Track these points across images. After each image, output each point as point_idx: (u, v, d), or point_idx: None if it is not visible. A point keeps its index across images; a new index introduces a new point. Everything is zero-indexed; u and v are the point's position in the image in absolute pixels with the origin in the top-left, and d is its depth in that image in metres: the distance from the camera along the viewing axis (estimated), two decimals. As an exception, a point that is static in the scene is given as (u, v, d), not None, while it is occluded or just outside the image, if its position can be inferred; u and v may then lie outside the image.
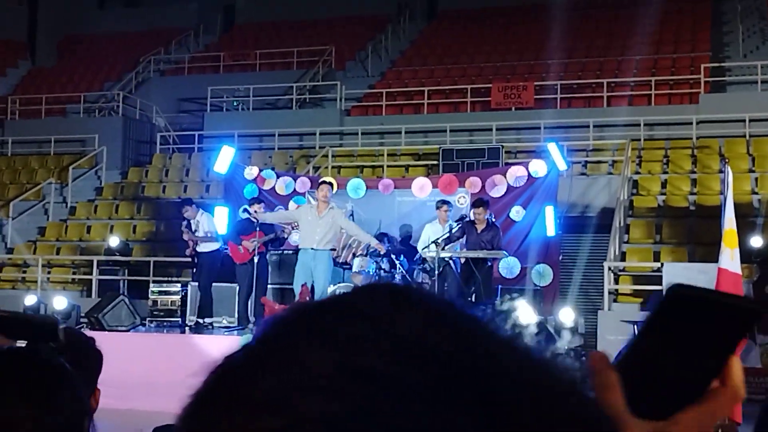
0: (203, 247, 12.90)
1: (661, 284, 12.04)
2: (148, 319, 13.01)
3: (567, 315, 11.68)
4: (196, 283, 13.13)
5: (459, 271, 12.06)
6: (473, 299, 11.64)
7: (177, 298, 13.13)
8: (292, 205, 14.52)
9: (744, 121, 17.76)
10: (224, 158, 14.73)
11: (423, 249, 12.38)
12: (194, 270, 13.30)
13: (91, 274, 16.41)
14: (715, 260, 8.93)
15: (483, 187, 14.02)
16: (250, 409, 0.56)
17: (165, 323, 12.95)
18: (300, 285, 11.69)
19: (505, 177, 14.06)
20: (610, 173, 17.26)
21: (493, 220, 12.66)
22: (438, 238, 12.01)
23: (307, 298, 11.21)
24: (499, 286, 12.87)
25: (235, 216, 13.29)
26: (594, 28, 24.02)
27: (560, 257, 13.92)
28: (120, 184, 20.50)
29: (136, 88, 25.22)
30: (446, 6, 27.96)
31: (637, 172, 17.20)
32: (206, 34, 29.03)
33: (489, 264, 12.10)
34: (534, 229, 13.71)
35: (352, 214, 13.97)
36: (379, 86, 22.69)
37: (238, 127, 20.78)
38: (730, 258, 8.52)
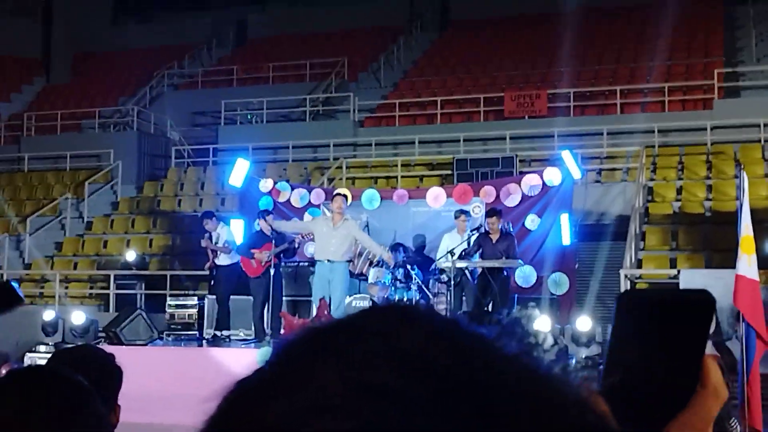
0: (222, 260, 12.94)
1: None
2: (165, 332, 13.04)
3: (584, 323, 11.64)
4: (214, 296, 13.16)
5: (475, 281, 12.04)
6: (490, 309, 11.63)
7: (194, 311, 13.17)
8: (307, 217, 14.54)
9: (759, 125, 17.69)
10: (239, 171, 14.78)
11: (440, 259, 12.38)
12: (212, 283, 13.33)
13: (108, 288, 16.47)
14: (732, 266, 8.88)
15: (498, 196, 14.00)
16: (268, 427, 0.56)
17: (182, 336, 12.98)
18: (318, 298, 11.72)
19: (520, 186, 14.04)
20: (625, 180, 17.22)
21: (510, 229, 12.65)
22: (453, 248, 12.01)
23: (326, 312, 11.23)
24: (516, 296, 12.85)
25: (250, 229, 13.32)
26: (606, 35, 23.99)
27: (576, 265, 13.87)
28: (136, 198, 20.59)
29: (150, 102, 25.35)
30: (458, 16, 27.99)
31: (652, 179, 17.14)
32: (219, 48, 29.16)
33: (505, 274, 12.08)
34: (549, 238, 13.67)
35: (367, 226, 13.98)
36: (392, 97, 22.72)
37: (252, 140, 20.85)
38: (747, 264, 8.48)
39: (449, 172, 17.95)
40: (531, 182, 14.01)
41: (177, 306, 13.25)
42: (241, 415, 0.59)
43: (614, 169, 17.86)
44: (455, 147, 19.28)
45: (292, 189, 15.21)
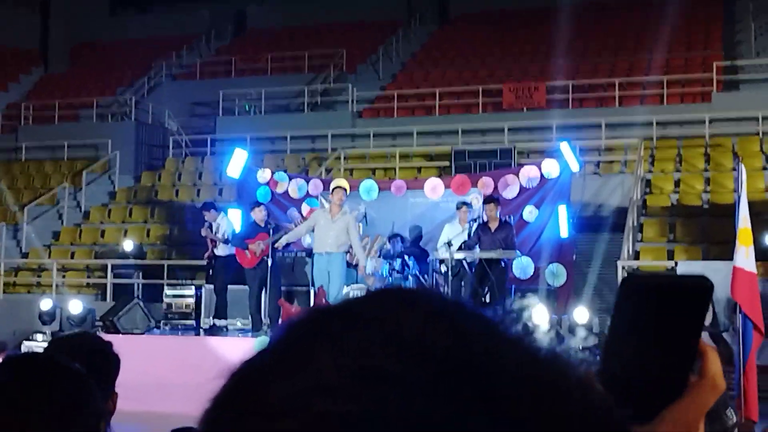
0: (221, 250, 12.94)
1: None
2: (162, 321, 13.05)
3: (581, 314, 11.65)
4: (211, 286, 13.16)
5: (473, 271, 12.05)
6: (487, 299, 11.63)
7: (191, 300, 13.17)
8: (305, 207, 14.55)
9: (757, 119, 17.70)
10: (237, 161, 14.76)
11: (439, 249, 12.38)
12: (210, 272, 13.33)
13: (105, 277, 16.47)
14: (730, 258, 8.90)
15: (495, 187, 14.00)
16: (267, 413, 0.57)
17: (179, 326, 12.99)
18: (317, 287, 11.79)
19: (518, 177, 14.04)
20: (623, 173, 17.23)
21: (506, 218, 12.65)
22: (451, 239, 12.02)
23: (324, 300, 11.25)
24: (513, 287, 12.86)
25: (248, 219, 13.32)
26: (605, 28, 23.96)
27: (574, 257, 13.89)
28: (133, 188, 20.58)
29: (148, 92, 25.32)
30: (457, 9, 27.95)
31: (650, 171, 17.15)
32: (218, 39, 29.11)
33: (503, 264, 12.08)
34: (547, 230, 13.68)
35: (365, 216, 13.98)
36: (391, 88, 22.70)
37: (251, 130, 20.84)
38: (745, 256, 8.49)
39: (447, 163, 17.95)
40: (529, 174, 14.01)
41: (174, 295, 13.25)
42: (244, 396, 0.60)
43: (612, 162, 17.87)
44: (453, 138, 19.27)
45: (290, 179, 15.20)
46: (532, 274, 13.31)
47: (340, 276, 11.97)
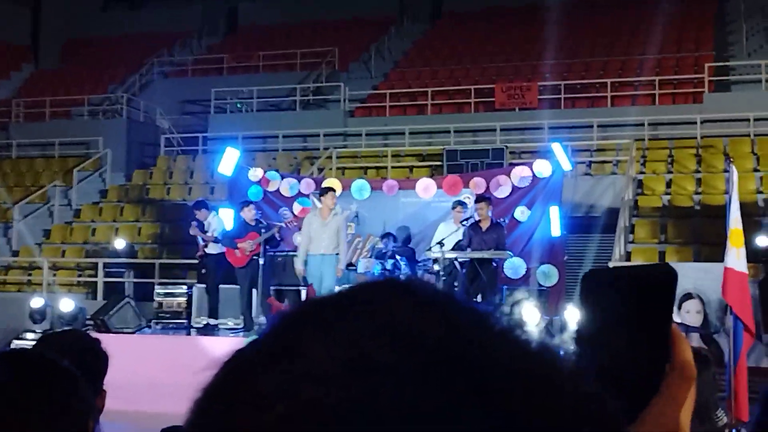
0: (212, 249, 12.91)
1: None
2: (153, 321, 13.03)
3: (572, 315, 11.66)
4: (203, 285, 13.14)
5: (464, 271, 12.05)
6: (479, 299, 11.64)
7: (183, 299, 13.15)
8: (296, 206, 14.55)
9: (748, 120, 17.74)
10: (228, 160, 14.74)
11: (431, 248, 12.38)
12: (202, 271, 13.31)
13: (96, 276, 16.42)
14: (721, 260, 8.91)
15: (487, 187, 14.01)
16: (256, 401, 0.57)
17: (171, 325, 12.96)
18: (308, 287, 11.81)
19: (510, 177, 14.05)
20: (615, 173, 17.25)
21: (498, 220, 12.66)
22: (443, 239, 12.02)
23: (314, 297, 11.25)
24: (504, 287, 12.87)
25: (239, 217, 13.30)
26: (597, 28, 23.99)
27: (565, 257, 13.90)
28: (125, 186, 20.52)
29: (139, 90, 25.26)
30: (449, 7, 27.95)
31: (642, 172, 17.17)
32: (209, 37, 29.05)
33: (494, 264, 12.09)
34: (539, 230, 13.69)
35: (356, 216, 13.98)
36: (383, 87, 22.69)
37: (242, 128, 20.80)
38: (736, 257, 8.50)
39: (439, 163, 17.95)
40: (521, 174, 14.02)
41: (165, 294, 13.23)
42: (234, 385, 0.60)
43: (604, 162, 17.89)
44: (445, 138, 19.27)
45: (282, 178, 15.19)
46: (523, 274, 13.32)
47: (332, 276, 11.98)
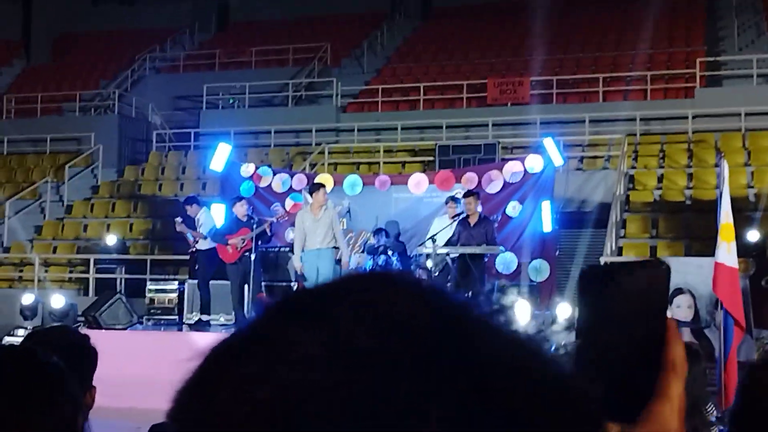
0: (203, 245, 12.90)
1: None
2: (145, 317, 13.01)
3: (564, 310, 11.68)
4: (195, 281, 13.12)
5: (455, 266, 12.07)
6: (469, 294, 11.63)
7: (174, 296, 13.14)
8: (288, 201, 14.55)
9: (740, 115, 17.77)
10: (220, 156, 14.72)
11: (425, 243, 12.41)
12: (196, 267, 13.29)
13: (88, 272, 16.39)
14: (712, 254, 8.93)
15: (479, 182, 14.01)
16: (239, 383, 0.58)
17: (162, 321, 12.94)
18: (297, 282, 11.80)
19: (502, 173, 14.06)
20: (607, 168, 17.27)
21: (486, 214, 12.69)
22: (434, 234, 12.03)
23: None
24: (495, 282, 12.87)
25: (231, 213, 13.28)
26: (589, 23, 24.01)
27: (557, 252, 13.92)
28: (116, 182, 20.47)
29: (131, 86, 25.18)
30: (441, 2, 27.93)
31: (633, 167, 17.20)
32: (201, 32, 28.96)
33: (485, 259, 12.11)
34: (530, 225, 13.71)
35: (348, 211, 13.98)
36: (375, 83, 22.67)
37: (234, 124, 20.75)
38: (726, 251, 8.53)
39: (431, 158, 17.94)
40: (513, 169, 14.03)
41: (157, 290, 13.22)
42: (216, 369, 0.61)
43: (596, 157, 17.91)
44: (438, 133, 19.26)
45: (274, 174, 15.17)
46: (515, 269, 13.34)
47: (329, 271, 12.02)
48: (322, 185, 12.60)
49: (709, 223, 12.02)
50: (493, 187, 13.96)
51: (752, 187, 15.83)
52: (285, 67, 24.35)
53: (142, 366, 10.59)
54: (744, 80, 19.89)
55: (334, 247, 12.25)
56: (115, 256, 16.76)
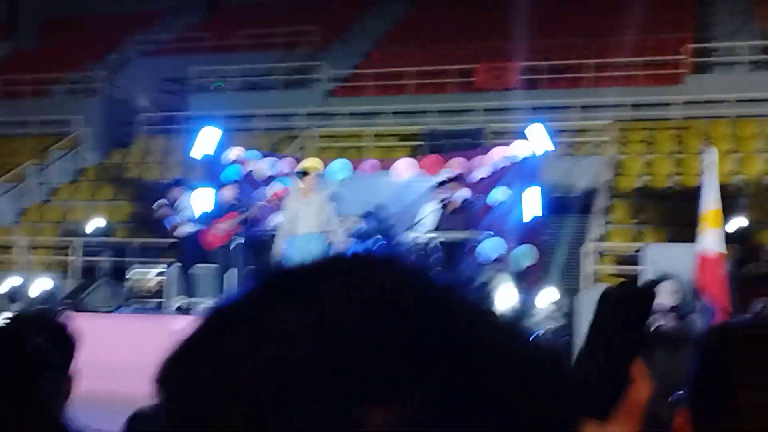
0: (184, 230, 12.84)
1: (642, 265, 12.07)
2: (129, 300, 12.96)
3: (549, 295, 11.70)
4: (179, 264, 13.08)
5: (440, 250, 12.10)
6: (454, 278, 11.66)
7: (158, 280, 13.09)
8: (276, 185, 14.50)
9: (729, 102, 17.79)
10: (208, 139, 14.65)
11: (414, 226, 12.44)
12: (178, 251, 13.25)
13: (72, 256, 16.32)
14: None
15: (467, 167, 14.00)
16: (223, 360, 0.58)
17: (146, 305, 12.91)
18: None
19: (490, 158, 14.04)
20: (594, 154, 17.27)
21: (468, 199, 12.75)
22: (420, 219, 12.06)
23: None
24: (482, 266, 12.88)
25: (219, 197, 13.23)
26: (578, 8, 23.96)
27: (544, 238, 13.93)
28: (102, 165, 20.38)
29: (118, 68, 25.03)
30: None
31: (622, 153, 17.21)
32: (189, 15, 28.80)
33: (473, 244, 12.12)
34: (518, 210, 13.70)
35: (336, 195, 13.94)
36: (364, 67, 22.60)
37: (222, 107, 20.65)
38: (713, 237, 8.54)
39: (420, 143, 17.91)
40: (501, 154, 14.03)
41: (141, 274, 13.17)
42: (202, 345, 0.61)
43: (584, 143, 17.92)
44: (426, 118, 19.24)
45: (262, 157, 15.12)
46: (501, 253, 13.34)
47: (321, 256, 11.99)
48: (315, 168, 12.58)
49: (696, 210, 12.05)
50: (481, 173, 13.95)
51: (740, 173, 15.87)
52: (273, 50, 24.23)
53: (125, 350, 10.57)
54: (733, 67, 19.92)
55: (325, 232, 12.23)
56: (99, 239, 16.67)
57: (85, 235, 16.98)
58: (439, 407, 0.56)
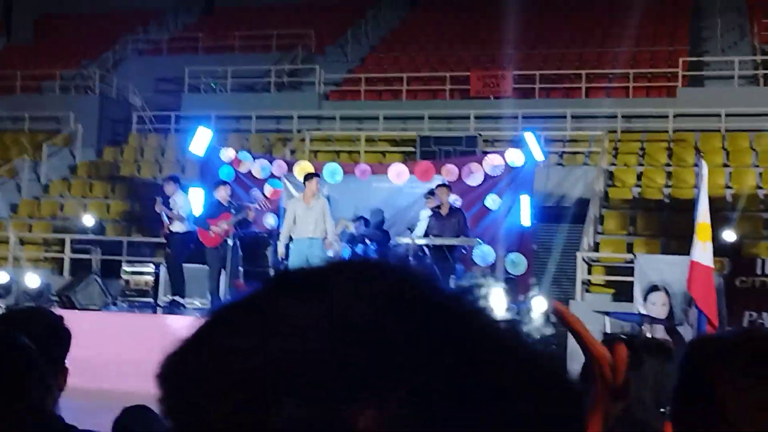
0: (176, 227, 12.82)
1: (633, 275, 12.12)
2: (120, 298, 12.95)
3: (539, 303, 11.73)
4: (168, 263, 13.06)
5: (431, 256, 12.13)
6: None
7: (150, 278, 13.08)
8: (268, 187, 14.51)
9: (720, 115, 17.87)
10: (201, 139, 14.64)
11: (412, 229, 12.51)
12: (167, 250, 13.23)
13: (63, 252, 16.29)
14: (688, 253, 8.99)
15: (460, 174, 14.02)
16: (231, 352, 0.59)
17: (137, 303, 12.89)
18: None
19: (482, 165, 14.07)
20: (587, 164, 17.32)
21: (458, 205, 12.80)
22: (412, 225, 12.09)
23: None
24: (470, 273, 12.91)
25: (210, 198, 13.23)
26: (573, 19, 24.04)
27: (534, 246, 13.96)
28: (95, 162, 20.35)
29: (113, 67, 25.01)
30: (427, -7, 27.88)
31: (613, 164, 17.27)
32: (185, 15, 28.79)
33: (464, 251, 12.16)
34: (509, 218, 13.73)
35: (327, 199, 13.95)
36: (359, 71, 22.62)
37: (216, 108, 20.65)
38: (702, 251, 8.58)
39: (412, 149, 17.94)
40: (493, 162, 14.05)
41: (133, 272, 13.16)
42: (211, 338, 0.62)
43: (576, 153, 17.97)
44: (419, 124, 19.26)
45: (254, 159, 15.12)
46: (492, 262, 13.37)
47: (320, 260, 12.02)
48: (316, 174, 12.67)
49: (687, 222, 12.11)
50: (473, 180, 13.98)
51: (730, 187, 15.94)
52: (268, 52, 24.24)
53: (115, 348, 10.56)
54: (725, 81, 20.00)
55: (324, 238, 12.32)
56: (91, 236, 16.64)
57: (77, 231, 16.95)
58: (445, 399, 0.57)
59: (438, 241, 12.03)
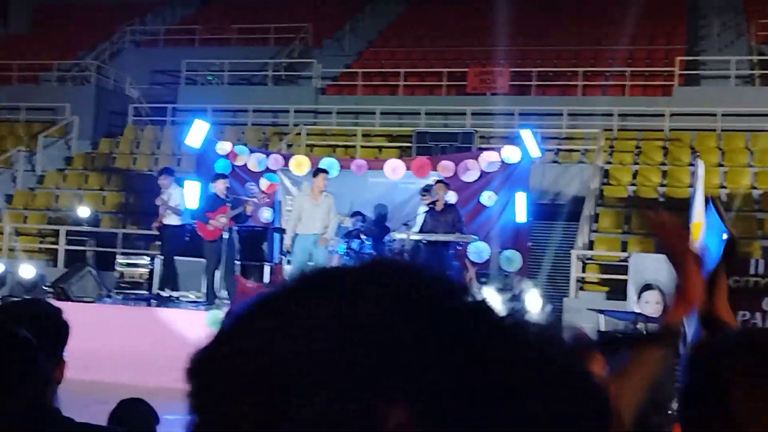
0: (170, 220, 12.81)
1: (627, 274, 12.14)
2: (114, 290, 12.94)
3: (533, 300, 11.74)
4: (163, 256, 13.06)
5: (426, 251, 12.16)
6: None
7: (145, 270, 13.07)
8: (263, 181, 14.50)
9: (716, 115, 17.89)
10: (197, 132, 14.63)
11: (408, 224, 12.55)
12: (158, 242, 13.23)
13: (58, 243, 16.27)
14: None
15: (455, 171, 14.03)
16: (243, 352, 0.60)
17: (132, 295, 12.88)
18: (297, 266, 11.85)
19: (478, 162, 14.08)
20: (582, 162, 17.34)
21: (452, 202, 12.83)
22: (408, 221, 12.10)
23: (281, 277, 11.26)
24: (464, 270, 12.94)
25: (207, 191, 13.22)
26: (571, 16, 24.04)
27: (529, 243, 13.98)
28: (91, 154, 20.31)
29: (110, 58, 24.95)
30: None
31: (609, 162, 17.28)
32: (183, 7, 28.73)
33: (459, 248, 12.18)
34: (504, 215, 13.76)
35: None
36: (356, 66, 22.61)
37: (212, 101, 20.63)
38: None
39: (409, 144, 17.94)
40: (489, 159, 14.06)
41: (127, 265, 13.15)
42: (227, 338, 0.63)
43: (572, 150, 17.98)
44: (416, 119, 19.26)
45: (250, 153, 15.11)
46: (487, 258, 13.40)
47: (324, 257, 12.16)
48: (324, 170, 12.70)
49: (682, 221, 12.10)
50: (469, 176, 13.99)
51: (725, 187, 15.97)
52: (266, 46, 24.21)
53: (110, 340, 10.56)
54: (722, 80, 20.02)
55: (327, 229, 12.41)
56: (86, 228, 16.63)
57: (73, 222, 16.94)
58: (455, 398, 0.57)
59: (433, 237, 12.04)
